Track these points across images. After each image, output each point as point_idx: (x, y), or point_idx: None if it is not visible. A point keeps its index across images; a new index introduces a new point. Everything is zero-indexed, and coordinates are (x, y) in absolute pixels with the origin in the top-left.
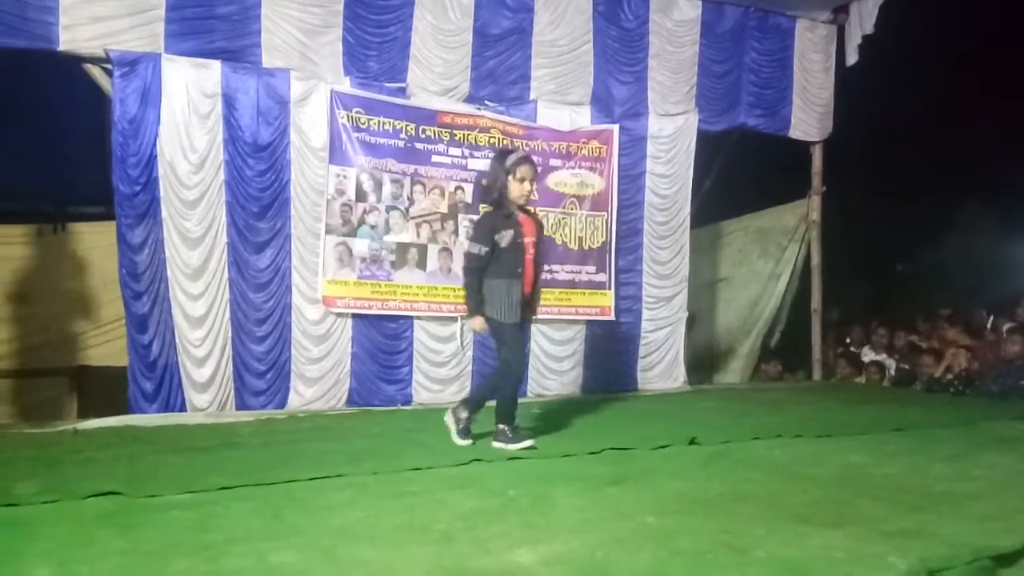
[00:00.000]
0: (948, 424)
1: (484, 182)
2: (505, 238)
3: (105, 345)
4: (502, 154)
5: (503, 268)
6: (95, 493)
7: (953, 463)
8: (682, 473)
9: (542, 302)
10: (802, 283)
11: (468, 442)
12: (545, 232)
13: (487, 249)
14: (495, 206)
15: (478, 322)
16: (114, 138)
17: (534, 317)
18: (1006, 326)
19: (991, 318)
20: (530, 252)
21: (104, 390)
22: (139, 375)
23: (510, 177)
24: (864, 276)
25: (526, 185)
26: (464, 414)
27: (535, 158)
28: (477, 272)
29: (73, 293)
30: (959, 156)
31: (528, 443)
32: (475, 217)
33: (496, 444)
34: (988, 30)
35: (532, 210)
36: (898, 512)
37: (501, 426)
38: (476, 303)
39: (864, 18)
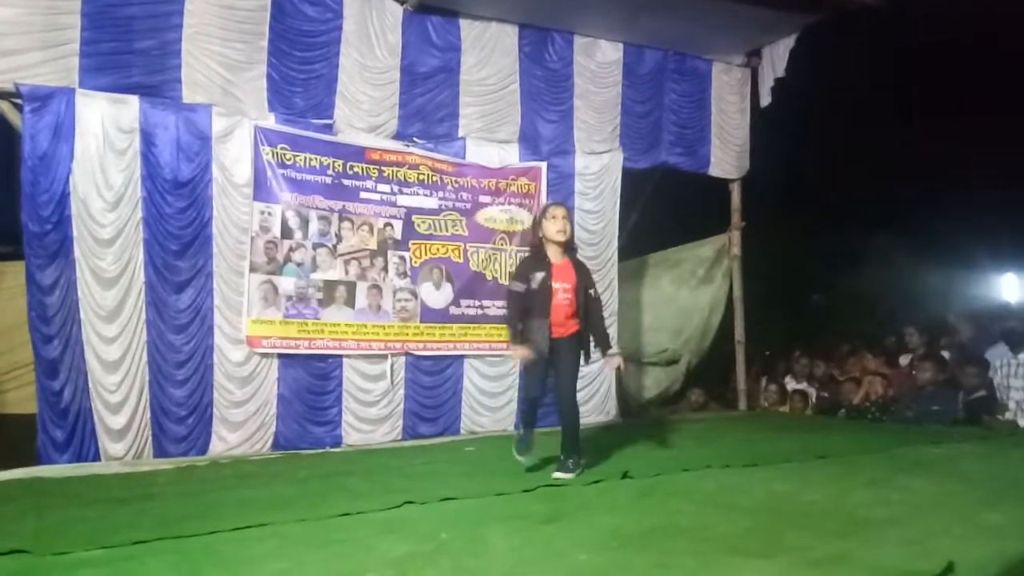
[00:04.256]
0: (867, 450)
1: (531, 235)
2: (536, 279)
3: (13, 392)
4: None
5: (534, 308)
6: None
7: (873, 488)
8: (616, 508)
9: (473, 337)
10: (723, 315)
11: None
12: (478, 268)
13: (525, 287)
14: (533, 249)
15: (520, 351)
16: (23, 175)
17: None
18: (917, 353)
19: (903, 345)
20: (558, 296)
21: (11, 439)
22: (49, 423)
23: (544, 219)
24: (783, 307)
25: (558, 221)
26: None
27: (465, 195)
28: (517, 307)
29: None
30: (869, 190)
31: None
32: (404, 254)
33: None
34: (896, 66)
35: (576, 259)
36: (823, 539)
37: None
38: (516, 333)
39: (776, 62)
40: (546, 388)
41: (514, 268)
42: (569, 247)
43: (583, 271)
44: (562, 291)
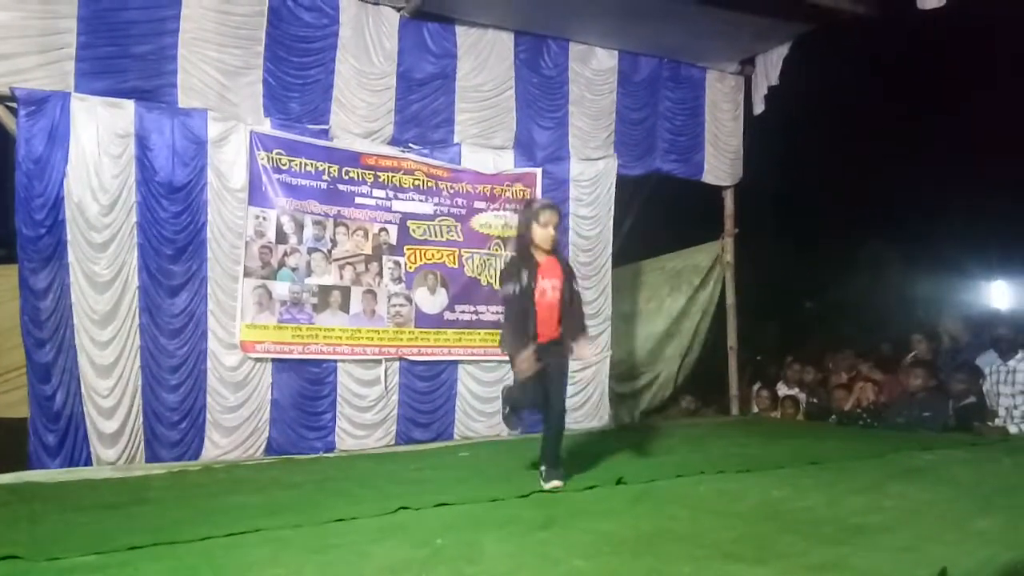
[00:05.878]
0: (859, 456)
1: (516, 232)
2: (523, 278)
3: (4, 395)
4: (528, 203)
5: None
6: None
7: (866, 495)
8: (610, 514)
9: (467, 343)
10: (715, 321)
11: (556, 483)
12: (473, 274)
13: (516, 285)
14: (519, 251)
15: (527, 359)
16: (17, 179)
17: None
18: (908, 359)
19: (905, 351)
20: (548, 296)
21: (2, 443)
22: (41, 427)
23: (535, 223)
24: (775, 314)
25: (549, 229)
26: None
27: (460, 200)
28: (516, 308)
29: None
30: (861, 197)
31: (553, 483)
32: (399, 259)
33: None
34: (889, 75)
35: (561, 257)
36: (818, 546)
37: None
38: (521, 336)
39: (769, 70)
40: (535, 399)
41: (501, 274)
42: (554, 248)
43: (568, 269)
44: (551, 288)
